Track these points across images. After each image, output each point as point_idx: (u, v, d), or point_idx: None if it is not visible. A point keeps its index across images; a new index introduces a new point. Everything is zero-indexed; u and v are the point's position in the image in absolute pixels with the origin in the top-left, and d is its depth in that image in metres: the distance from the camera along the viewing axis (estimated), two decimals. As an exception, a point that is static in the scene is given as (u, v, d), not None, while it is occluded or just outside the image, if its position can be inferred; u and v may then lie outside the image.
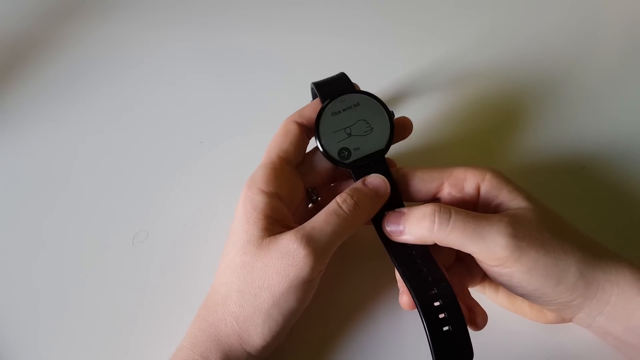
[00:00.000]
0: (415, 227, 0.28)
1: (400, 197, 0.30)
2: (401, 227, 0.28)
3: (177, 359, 0.28)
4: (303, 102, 0.42)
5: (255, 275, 0.28)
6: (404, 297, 0.28)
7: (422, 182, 0.31)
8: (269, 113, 0.45)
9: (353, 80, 0.34)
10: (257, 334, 0.28)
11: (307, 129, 0.33)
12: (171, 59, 0.48)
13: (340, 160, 0.31)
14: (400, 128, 0.33)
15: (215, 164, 0.41)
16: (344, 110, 0.31)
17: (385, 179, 0.30)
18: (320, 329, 0.34)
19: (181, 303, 0.35)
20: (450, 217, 0.27)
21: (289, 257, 0.27)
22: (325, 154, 0.31)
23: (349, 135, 0.31)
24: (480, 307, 0.29)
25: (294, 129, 0.32)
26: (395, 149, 0.34)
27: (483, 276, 0.32)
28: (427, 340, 0.26)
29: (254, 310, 0.28)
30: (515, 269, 0.27)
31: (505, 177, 0.30)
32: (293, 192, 0.31)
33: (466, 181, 0.30)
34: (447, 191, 0.30)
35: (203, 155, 0.42)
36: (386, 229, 0.29)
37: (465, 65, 0.46)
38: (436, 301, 0.26)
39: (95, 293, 0.36)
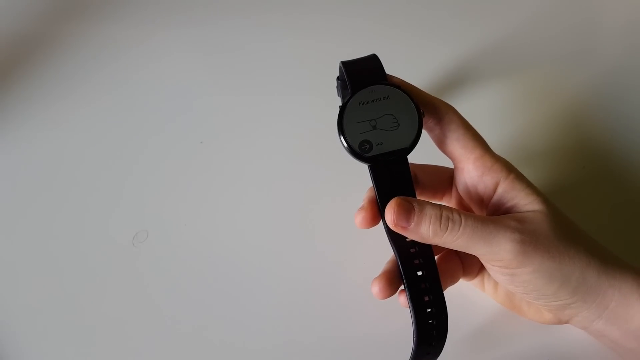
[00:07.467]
0: (424, 227, 0.27)
1: (413, 189, 0.29)
2: (410, 224, 0.27)
3: None
4: (305, 101, 0.42)
5: None
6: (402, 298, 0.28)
7: (434, 170, 0.32)
8: (270, 112, 0.45)
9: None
10: None
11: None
12: (171, 58, 0.48)
13: (360, 153, 0.28)
14: None
15: (215, 164, 0.41)
16: (372, 101, 0.29)
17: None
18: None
19: (181, 303, 0.35)
20: (461, 223, 0.27)
21: None
22: (346, 143, 0.28)
23: (374, 128, 0.29)
24: None
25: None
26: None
27: (480, 269, 0.32)
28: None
29: None
30: (518, 271, 0.27)
31: (526, 179, 0.29)
32: None
33: (491, 173, 0.29)
34: (463, 178, 0.30)
35: (203, 155, 0.42)
36: (392, 218, 0.27)
37: (465, 67, 0.46)
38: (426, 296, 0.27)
39: (95, 293, 0.36)
